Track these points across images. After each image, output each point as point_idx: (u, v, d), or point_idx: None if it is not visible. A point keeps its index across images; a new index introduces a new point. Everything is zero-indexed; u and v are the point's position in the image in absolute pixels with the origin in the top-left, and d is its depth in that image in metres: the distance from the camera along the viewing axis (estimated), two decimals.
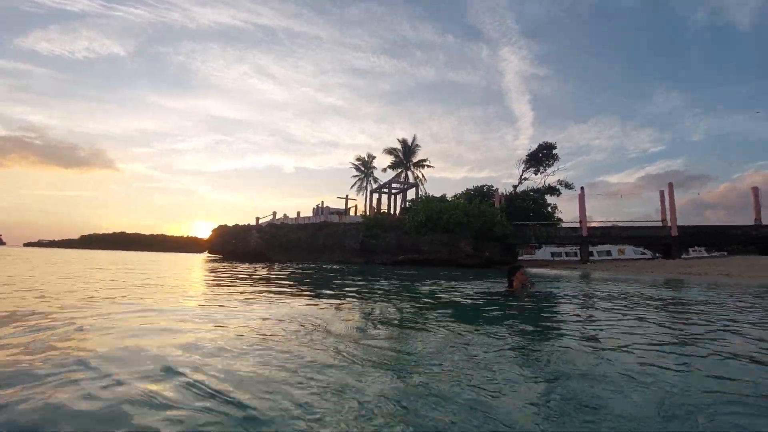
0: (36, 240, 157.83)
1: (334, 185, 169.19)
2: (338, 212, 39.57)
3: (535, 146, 38.75)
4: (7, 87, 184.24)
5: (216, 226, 38.32)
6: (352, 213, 41.71)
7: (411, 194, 43.01)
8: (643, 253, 35.97)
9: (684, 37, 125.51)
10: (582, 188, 29.89)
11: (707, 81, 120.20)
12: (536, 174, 39.21)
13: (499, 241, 28.00)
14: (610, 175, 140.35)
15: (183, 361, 2.19)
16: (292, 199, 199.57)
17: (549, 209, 35.85)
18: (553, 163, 38.21)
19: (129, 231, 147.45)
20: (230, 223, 38.47)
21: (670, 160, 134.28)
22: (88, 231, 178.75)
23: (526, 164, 39.60)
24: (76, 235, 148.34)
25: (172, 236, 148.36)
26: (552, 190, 37.19)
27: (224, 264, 19.36)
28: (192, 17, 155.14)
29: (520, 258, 43.54)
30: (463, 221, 27.14)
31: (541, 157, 38.27)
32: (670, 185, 28.55)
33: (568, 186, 36.45)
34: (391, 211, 40.35)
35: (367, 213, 39.74)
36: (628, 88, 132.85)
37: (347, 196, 44.34)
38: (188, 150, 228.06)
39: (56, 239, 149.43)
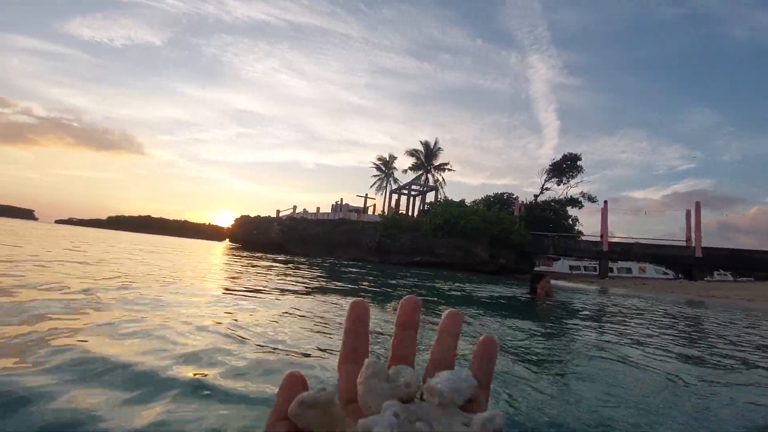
0: (67, 218, 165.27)
1: (352, 183, 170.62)
2: (357, 210, 40.06)
3: (559, 156, 38.24)
4: (49, 69, 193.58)
5: (238, 216, 39.39)
6: (370, 212, 42.15)
7: (430, 197, 43.17)
8: (665, 273, 35.01)
9: (721, 54, 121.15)
10: (605, 202, 29.45)
11: (743, 100, 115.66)
12: (559, 185, 38.68)
13: (516, 249, 27.86)
14: (635, 190, 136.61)
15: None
16: (310, 193, 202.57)
17: (569, 221, 35.31)
18: (576, 175, 37.61)
19: (154, 215, 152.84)
20: (250, 214, 39.49)
21: (699, 179, 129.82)
22: (114, 212, 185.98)
23: (549, 174, 39.09)
24: (104, 216, 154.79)
25: (194, 222, 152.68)
26: (574, 202, 36.62)
27: (251, 254, 20.07)
28: (226, 10, 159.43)
29: (536, 269, 43.04)
30: (480, 227, 27.13)
31: (565, 167, 37.71)
32: (697, 204, 27.77)
33: (591, 199, 35.82)
34: (409, 213, 40.55)
35: (386, 213, 40.07)
36: (660, 103, 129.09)
37: (366, 195, 44.82)
38: (212, 140, 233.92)
39: (85, 218, 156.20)
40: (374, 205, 44.74)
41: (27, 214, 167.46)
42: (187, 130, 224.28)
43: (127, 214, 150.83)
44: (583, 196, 36.23)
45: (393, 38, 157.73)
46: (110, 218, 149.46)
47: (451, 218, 28.03)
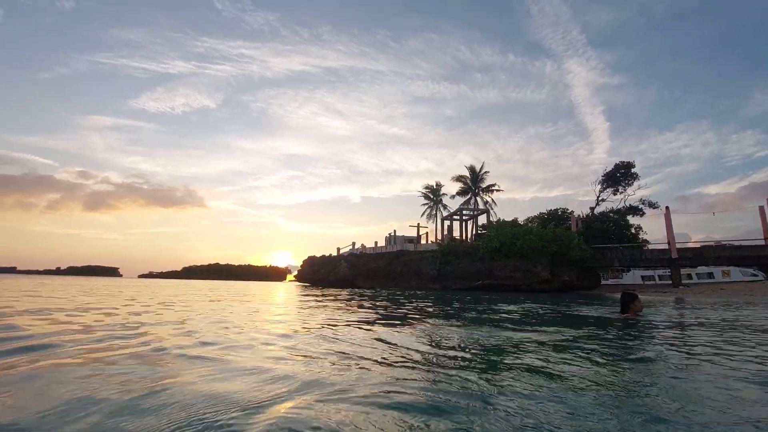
0: (147, 272, 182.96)
1: (399, 212, 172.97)
2: (411, 240, 41.73)
3: (613, 159, 37.76)
4: (124, 141, 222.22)
5: (306, 257, 42.66)
6: (423, 240, 43.60)
7: (482, 219, 43.88)
8: (754, 275, 32.38)
9: None
10: (667, 207, 28.57)
11: None
12: (615, 194, 37.82)
13: (577, 266, 27.73)
14: (707, 185, 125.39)
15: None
16: (358, 227, 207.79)
17: (632, 230, 34.23)
18: (632, 182, 36.66)
19: (221, 262, 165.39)
20: (306, 253, 42.76)
21: None
22: (187, 263, 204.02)
23: (602, 185, 38.42)
24: (179, 267, 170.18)
25: (256, 266, 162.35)
26: (634, 210, 35.54)
27: (328, 291, 22.23)
28: (268, 67, 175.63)
29: (604, 282, 41.36)
30: (537, 246, 27.46)
31: (619, 176, 36.96)
32: None
33: (652, 205, 34.60)
34: (463, 237, 41.41)
35: (439, 240, 41.28)
36: (720, 88, 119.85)
37: (418, 224, 46.48)
38: (266, 186, 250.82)
39: (163, 271, 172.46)
40: (426, 233, 46.20)
41: (113, 272, 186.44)
42: (243, 179, 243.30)
43: (198, 264, 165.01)
44: (643, 203, 35.12)
45: (424, 67, 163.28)
46: (184, 269, 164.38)
47: (506, 240, 28.62)
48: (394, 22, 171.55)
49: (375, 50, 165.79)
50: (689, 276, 37.69)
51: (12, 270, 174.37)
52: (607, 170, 37.91)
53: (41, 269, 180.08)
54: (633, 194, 36.69)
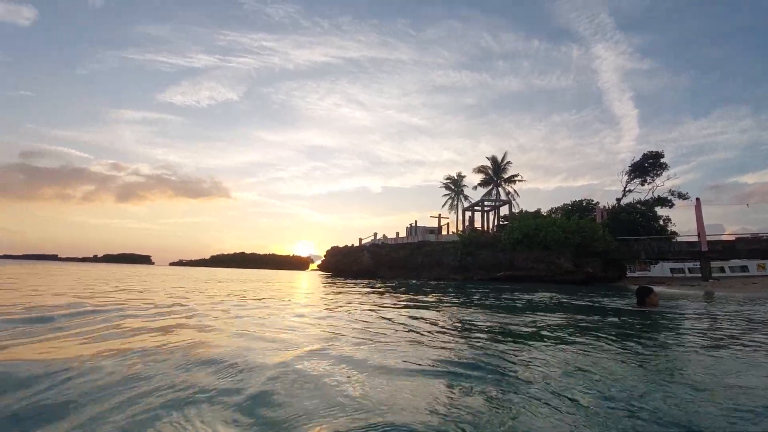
0: (177, 260, 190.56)
1: (419, 202, 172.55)
2: (431, 231, 42.02)
3: (642, 147, 36.71)
4: (152, 133, 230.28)
5: (329, 248, 43.74)
6: (444, 231, 43.79)
7: (504, 210, 43.62)
8: None
9: None
10: (697, 199, 27.71)
11: None
12: (643, 185, 36.75)
13: (601, 257, 27.42)
14: (744, 174, 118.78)
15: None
16: (379, 217, 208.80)
17: (660, 222, 33.30)
18: (661, 173, 35.50)
19: (246, 251, 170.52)
20: (327, 243, 43.80)
21: None
22: (214, 251, 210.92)
23: (629, 175, 37.41)
24: (207, 255, 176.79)
25: (280, 255, 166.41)
26: (662, 202, 34.50)
27: (352, 281, 23.00)
28: (290, 59, 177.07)
29: (630, 275, 40.49)
30: (560, 237, 27.29)
31: (647, 167, 35.86)
32: None
33: (682, 196, 33.49)
34: (485, 228, 41.36)
35: (460, 231, 41.38)
36: (761, 73, 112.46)
37: (439, 215, 46.63)
38: (289, 177, 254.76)
39: (193, 259, 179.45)
40: (447, 224, 46.30)
41: (146, 260, 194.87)
42: (266, 171, 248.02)
43: (225, 252, 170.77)
44: (673, 194, 34.02)
45: (444, 55, 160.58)
46: (212, 257, 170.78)
47: (529, 231, 28.54)
48: (414, 11, 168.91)
49: (395, 39, 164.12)
50: (721, 269, 36.47)
51: (54, 257, 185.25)
52: (635, 160, 36.88)
53: (80, 257, 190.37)
54: (662, 185, 35.59)
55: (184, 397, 1.83)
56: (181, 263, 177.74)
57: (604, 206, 36.67)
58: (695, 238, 27.24)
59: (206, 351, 2.81)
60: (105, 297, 6.88)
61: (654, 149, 36.01)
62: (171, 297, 7.45)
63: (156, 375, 2.17)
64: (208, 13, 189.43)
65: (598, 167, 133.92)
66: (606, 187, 79.69)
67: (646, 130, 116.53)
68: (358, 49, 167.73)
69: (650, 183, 36.10)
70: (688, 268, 42.23)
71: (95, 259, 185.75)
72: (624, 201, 37.99)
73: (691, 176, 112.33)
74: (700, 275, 29.08)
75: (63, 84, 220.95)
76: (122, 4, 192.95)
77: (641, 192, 37.07)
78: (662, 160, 35.25)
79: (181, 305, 5.92)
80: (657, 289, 9.52)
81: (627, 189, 38.10)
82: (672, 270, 46.02)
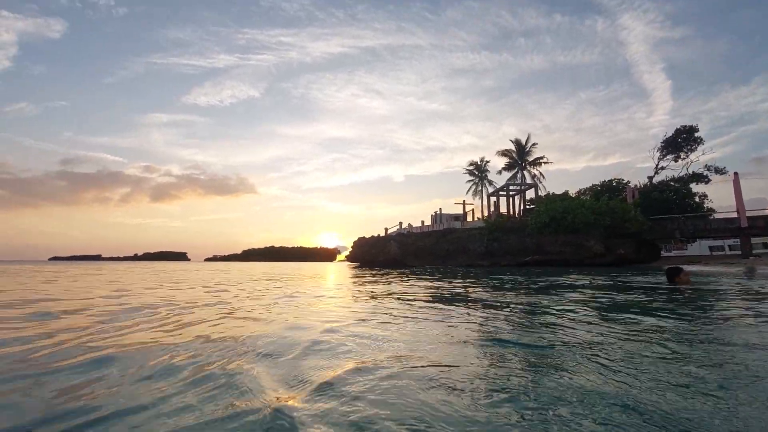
0: (211, 255, 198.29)
1: (442, 189, 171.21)
2: (456, 217, 42.10)
3: (677, 121, 35.33)
4: (180, 135, 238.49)
5: (356, 239, 44.63)
6: (469, 218, 43.75)
7: (530, 194, 43.05)
8: None
9: None
10: (735, 173, 26.56)
11: None
12: (676, 161, 35.33)
13: (633, 238, 26.89)
14: None
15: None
16: (402, 206, 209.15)
17: (696, 199, 32.07)
18: (695, 147, 33.98)
19: (275, 245, 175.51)
20: (352, 234, 45.01)
21: None
22: (245, 246, 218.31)
23: (662, 152, 36.01)
24: (238, 250, 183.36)
25: (307, 247, 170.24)
26: (698, 178, 33.12)
27: (380, 270, 23.73)
28: (307, 52, 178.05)
29: (666, 254, 39.31)
30: (590, 220, 26.90)
31: (680, 142, 34.41)
32: None
33: (719, 171, 31.99)
34: (511, 212, 41.08)
35: (485, 216, 41.28)
36: None
37: (464, 201, 46.51)
38: (310, 170, 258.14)
39: (226, 254, 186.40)
40: (473, 210, 46.18)
41: (181, 256, 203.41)
42: (288, 165, 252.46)
43: (255, 247, 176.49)
44: (709, 169, 32.57)
45: (463, 37, 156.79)
46: (243, 252, 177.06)
47: (556, 215, 28.24)
48: None
49: (412, 24, 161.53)
50: (766, 245, 34.86)
51: (98, 257, 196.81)
52: (667, 136, 35.43)
53: (122, 256, 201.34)
54: (696, 160, 34.10)
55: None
56: (215, 258, 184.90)
57: (636, 185, 35.65)
58: (734, 215, 26.23)
59: None
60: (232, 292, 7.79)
61: (689, 122, 34.62)
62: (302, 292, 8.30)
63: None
64: (227, 13, 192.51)
65: (629, 144, 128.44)
66: (638, 164, 76.98)
67: (681, 102, 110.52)
68: (374, 37, 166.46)
69: (684, 159, 34.69)
70: (729, 246, 40.42)
71: (135, 258, 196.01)
72: (656, 179, 36.74)
73: (731, 148, 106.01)
74: (740, 252, 28.04)
75: (95, 92, 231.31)
76: (145, 11, 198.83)
77: (674, 169, 35.73)
78: (696, 135, 33.74)
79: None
80: (693, 268, 9.72)
81: (659, 166, 36.79)
82: (711, 248, 44.20)
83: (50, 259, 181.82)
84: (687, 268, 10.29)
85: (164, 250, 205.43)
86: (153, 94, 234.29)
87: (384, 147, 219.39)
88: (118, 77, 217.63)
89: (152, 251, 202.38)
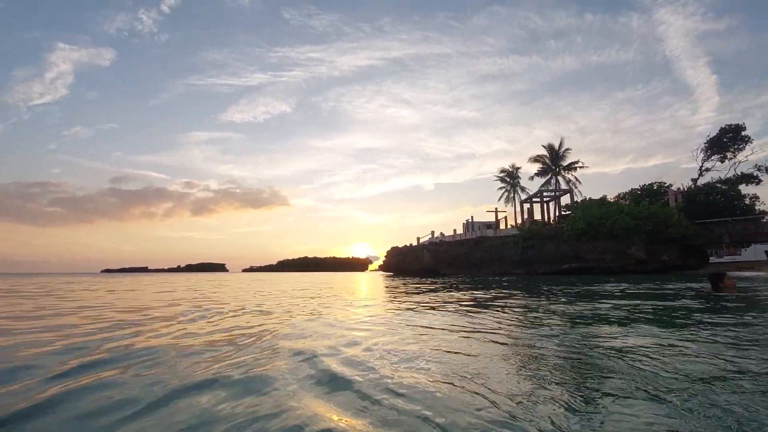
0: (248, 267, 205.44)
1: (473, 196, 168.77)
2: (489, 225, 41.92)
3: (725, 118, 33.95)
4: (218, 151, 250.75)
5: (389, 248, 45.39)
6: (502, 225, 43.41)
7: (565, 199, 42.22)
8: None
9: None
10: None
11: None
12: (723, 162, 33.66)
13: (678, 244, 25.93)
14: None
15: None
16: (433, 214, 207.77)
17: (746, 201, 30.39)
18: (743, 147, 32.27)
19: (308, 256, 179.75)
20: (383, 243, 45.93)
21: None
22: (279, 257, 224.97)
23: (706, 153, 34.44)
24: (273, 261, 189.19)
25: (340, 258, 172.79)
26: (747, 179, 31.39)
27: (414, 279, 24.21)
28: (336, 66, 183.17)
29: (717, 260, 37.21)
30: (629, 225, 26.21)
31: (726, 141, 32.80)
32: None
33: None
34: (545, 219, 40.41)
35: (519, 224, 40.84)
36: None
37: (496, 209, 46.21)
38: (341, 182, 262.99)
39: (262, 265, 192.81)
40: (505, 217, 45.74)
41: (220, 268, 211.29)
42: (319, 177, 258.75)
43: (290, 258, 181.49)
44: (759, 169, 30.82)
45: (490, 43, 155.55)
46: (279, 263, 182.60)
47: (594, 221, 27.67)
48: (456, 2, 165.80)
49: (438, 33, 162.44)
50: None
51: (144, 269, 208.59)
52: (711, 136, 33.88)
53: (166, 268, 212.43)
54: (745, 160, 32.34)
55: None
56: (252, 269, 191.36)
57: (679, 188, 34.22)
58: None
59: None
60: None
61: (739, 118, 33.05)
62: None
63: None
64: (260, 34, 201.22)
65: (673, 144, 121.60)
66: (683, 164, 73.03)
67: (729, 97, 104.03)
68: (401, 48, 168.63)
69: (731, 159, 32.99)
70: None
71: (179, 269, 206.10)
72: (701, 181, 35.11)
73: None
74: None
75: (141, 114, 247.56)
76: (184, 35, 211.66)
77: (721, 170, 34.03)
78: (744, 133, 32.06)
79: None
80: (743, 274, 9.72)
81: (704, 168, 35.15)
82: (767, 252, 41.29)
83: (102, 272, 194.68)
84: (736, 273, 10.21)
85: (204, 261, 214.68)
86: (193, 114, 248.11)
87: (414, 156, 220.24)
88: (162, 99, 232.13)
89: (193, 263, 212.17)
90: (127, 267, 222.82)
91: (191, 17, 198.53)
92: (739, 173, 32.06)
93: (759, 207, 29.67)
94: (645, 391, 2.17)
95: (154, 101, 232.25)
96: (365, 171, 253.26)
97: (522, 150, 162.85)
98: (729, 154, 33.01)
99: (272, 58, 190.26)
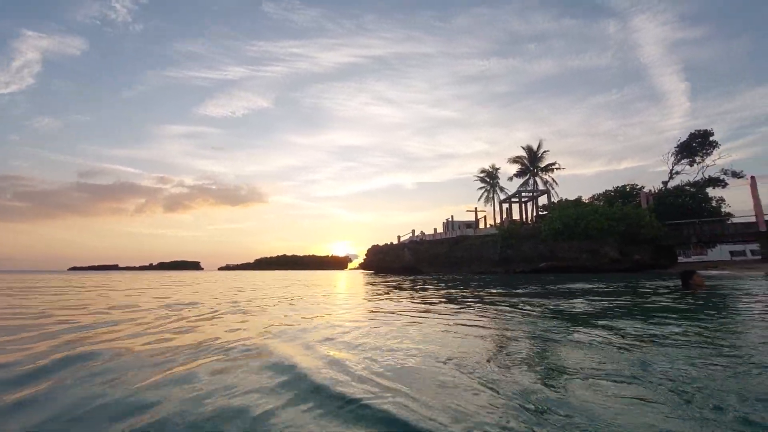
0: (224, 264, 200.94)
1: (454, 196, 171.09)
2: (468, 225, 42.26)
3: (695, 123, 35.20)
4: (194, 146, 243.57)
5: (370, 246, 45.13)
6: (481, 224, 43.86)
7: (543, 200, 43.00)
8: None
9: None
10: (752, 177, 26.32)
11: None
12: (692, 165, 35.03)
13: (650, 244, 26.78)
14: None
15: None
16: (413, 213, 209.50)
17: (713, 204, 31.72)
18: (711, 151, 33.67)
19: (287, 253, 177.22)
20: (364, 242, 45.50)
21: None
22: (257, 255, 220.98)
23: (676, 157, 35.78)
24: (251, 259, 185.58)
25: (319, 256, 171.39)
26: (714, 182, 32.78)
27: (396, 277, 24.02)
28: (317, 62, 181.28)
29: (685, 260, 38.75)
30: (603, 226, 26.89)
31: (695, 146, 34.16)
32: None
33: (736, 174, 31.59)
34: (524, 219, 41.05)
35: (498, 223, 41.35)
36: None
37: (476, 208, 46.62)
38: (322, 179, 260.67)
39: (239, 263, 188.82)
40: (485, 217, 46.25)
41: (195, 266, 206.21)
42: (300, 174, 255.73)
43: (267, 255, 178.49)
44: (726, 173, 32.20)
45: (472, 44, 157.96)
46: (256, 260, 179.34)
47: (569, 221, 28.25)
48: (439, 2, 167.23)
49: (421, 33, 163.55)
50: None
51: (115, 267, 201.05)
52: (681, 140, 35.20)
53: (137, 265, 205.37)
54: (713, 164, 33.74)
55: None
56: (228, 267, 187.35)
57: (650, 190, 35.38)
58: (753, 219, 25.93)
59: None
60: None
61: (708, 124, 34.49)
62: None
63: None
64: (238, 26, 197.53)
65: (645, 149, 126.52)
66: (654, 167, 75.94)
67: (700, 103, 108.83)
68: (383, 46, 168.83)
69: (699, 163, 34.36)
70: (750, 251, 39.62)
71: (151, 267, 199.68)
72: (671, 184, 36.44)
73: (752, 150, 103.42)
74: (760, 257, 27.64)
75: (114, 106, 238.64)
76: (159, 26, 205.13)
77: (690, 173, 35.42)
78: (712, 138, 33.44)
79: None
80: (710, 272, 9.95)
81: (674, 171, 36.49)
82: (732, 253, 43.33)
83: (69, 269, 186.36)
84: (704, 272, 10.47)
85: (178, 259, 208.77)
86: (168, 107, 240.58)
87: (395, 155, 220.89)
88: (136, 91, 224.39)
89: (167, 260, 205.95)
90: (96, 265, 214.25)
91: (167, 7, 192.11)
92: (707, 177, 33.44)
93: (725, 209, 31.00)
94: (616, 379, 2.21)
95: (127, 93, 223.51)
96: (347, 169, 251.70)
97: (502, 151, 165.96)
98: (698, 158, 34.37)
99: (251, 52, 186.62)
